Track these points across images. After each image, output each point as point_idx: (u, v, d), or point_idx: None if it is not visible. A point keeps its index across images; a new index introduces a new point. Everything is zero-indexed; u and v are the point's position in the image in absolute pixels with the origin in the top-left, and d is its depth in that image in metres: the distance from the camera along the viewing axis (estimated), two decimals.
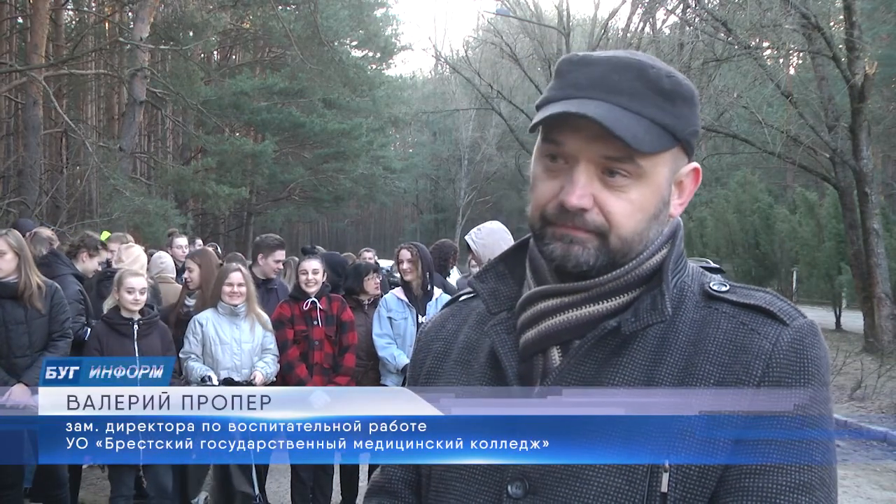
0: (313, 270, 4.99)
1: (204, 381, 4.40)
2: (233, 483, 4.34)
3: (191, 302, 5.35)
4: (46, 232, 5.80)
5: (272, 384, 4.65)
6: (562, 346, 1.05)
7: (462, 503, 1.06)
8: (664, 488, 0.94)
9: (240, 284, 4.74)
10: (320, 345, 4.97)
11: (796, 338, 0.98)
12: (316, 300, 4.97)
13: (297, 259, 6.55)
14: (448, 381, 1.17)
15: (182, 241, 7.82)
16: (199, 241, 10.00)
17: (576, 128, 0.98)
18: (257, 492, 4.44)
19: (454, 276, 7.02)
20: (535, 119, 1.01)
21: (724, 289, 1.06)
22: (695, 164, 1.08)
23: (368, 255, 8.17)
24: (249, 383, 4.59)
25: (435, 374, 1.21)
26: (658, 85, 1.00)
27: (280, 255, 5.70)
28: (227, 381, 4.51)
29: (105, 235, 7.21)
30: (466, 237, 4.21)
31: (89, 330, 4.78)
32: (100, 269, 5.48)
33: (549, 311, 1.06)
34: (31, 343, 4.27)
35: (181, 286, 5.75)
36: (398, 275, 5.57)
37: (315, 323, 4.96)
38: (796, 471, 0.93)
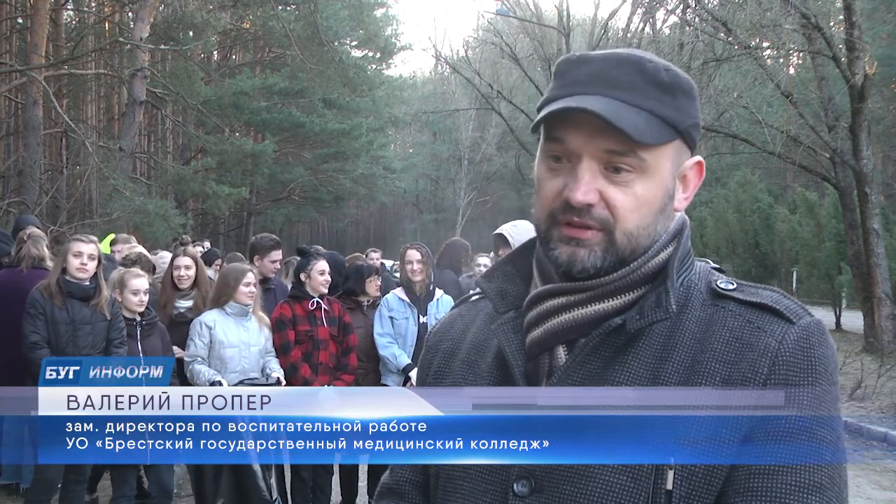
0: (321, 271, 5.01)
1: (213, 385, 4.33)
2: (249, 485, 4.25)
3: (184, 303, 5.24)
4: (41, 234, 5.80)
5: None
6: (568, 344, 1.05)
7: (469, 502, 1.06)
8: (669, 486, 0.93)
9: (254, 284, 4.74)
10: (325, 344, 4.94)
11: (802, 336, 0.97)
12: (319, 300, 4.97)
13: (297, 259, 6.53)
14: (454, 380, 1.16)
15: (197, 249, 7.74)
16: (206, 243, 10.01)
17: (577, 124, 0.98)
18: (275, 496, 4.39)
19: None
20: (537, 118, 1.02)
21: (731, 287, 1.05)
22: (698, 158, 1.08)
23: (375, 256, 8.16)
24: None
25: (442, 373, 1.20)
26: (656, 78, 1.01)
27: (276, 255, 5.67)
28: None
29: (110, 238, 7.23)
30: (503, 231, 4.18)
31: None
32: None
33: (555, 309, 1.05)
34: (94, 344, 4.35)
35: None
36: (398, 274, 5.58)
37: (320, 323, 4.96)
38: (805, 470, 0.91)
